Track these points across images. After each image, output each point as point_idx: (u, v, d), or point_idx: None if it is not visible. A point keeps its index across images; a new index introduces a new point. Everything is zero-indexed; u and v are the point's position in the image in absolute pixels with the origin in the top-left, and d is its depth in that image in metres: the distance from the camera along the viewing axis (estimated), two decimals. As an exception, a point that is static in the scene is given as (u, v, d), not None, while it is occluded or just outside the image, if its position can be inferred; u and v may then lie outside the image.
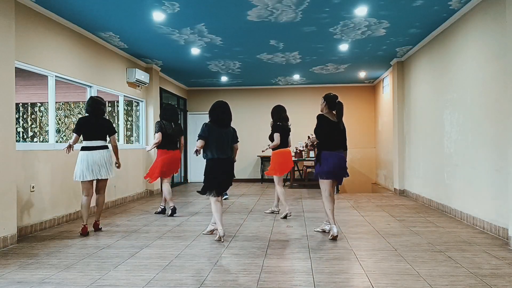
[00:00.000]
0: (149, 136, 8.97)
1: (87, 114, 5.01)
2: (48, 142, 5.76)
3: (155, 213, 6.37)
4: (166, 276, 3.33)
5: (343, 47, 7.46)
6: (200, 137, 4.52)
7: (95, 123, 4.96)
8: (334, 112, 4.74)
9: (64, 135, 10.13)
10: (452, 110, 5.97)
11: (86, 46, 6.49)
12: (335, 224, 4.57)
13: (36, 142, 9.68)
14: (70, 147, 4.87)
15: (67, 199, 5.83)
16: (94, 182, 5.04)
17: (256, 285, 3.07)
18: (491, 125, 4.79)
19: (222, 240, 4.48)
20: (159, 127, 6.05)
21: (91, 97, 5.13)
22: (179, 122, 6.30)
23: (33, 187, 5.11)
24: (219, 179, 4.57)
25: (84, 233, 4.89)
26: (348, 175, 4.78)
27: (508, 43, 4.22)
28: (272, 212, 6.32)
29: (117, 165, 5.31)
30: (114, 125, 5.21)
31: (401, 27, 6.36)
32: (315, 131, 4.70)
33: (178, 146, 6.29)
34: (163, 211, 6.32)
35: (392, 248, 4.11)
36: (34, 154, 5.18)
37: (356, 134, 11.52)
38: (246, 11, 5.59)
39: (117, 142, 5.27)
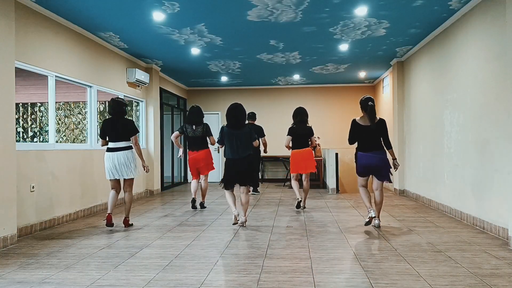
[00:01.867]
0: (149, 136, 8.97)
1: (110, 116, 5.18)
2: (48, 142, 5.76)
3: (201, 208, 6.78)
4: (166, 276, 3.33)
5: (343, 47, 7.46)
6: (218, 141, 5.25)
7: (116, 125, 5.10)
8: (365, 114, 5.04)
9: (64, 135, 10.13)
10: (452, 110, 5.97)
11: (86, 46, 6.49)
12: (372, 207, 4.93)
13: (36, 142, 9.68)
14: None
15: (67, 199, 5.84)
16: (122, 180, 5.29)
17: (256, 285, 3.08)
18: (491, 125, 4.79)
19: (237, 221, 5.22)
20: (180, 130, 6.63)
21: (112, 99, 5.24)
22: (202, 123, 6.56)
23: (33, 187, 5.11)
24: (231, 177, 5.11)
25: (109, 222, 5.12)
26: (386, 174, 4.92)
27: (508, 43, 4.22)
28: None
29: (144, 168, 5.45)
30: (135, 125, 5.29)
31: (401, 27, 6.36)
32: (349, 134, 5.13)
33: (205, 146, 6.56)
34: (201, 206, 6.81)
35: (392, 248, 4.11)
36: (34, 154, 5.18)
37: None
38: (246, 11, 5.59)
39: (139, 142, 5.36)
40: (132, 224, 5.41)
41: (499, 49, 4.60)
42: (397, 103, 8.73)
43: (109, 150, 5.11)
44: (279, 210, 6.62)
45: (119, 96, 5.49)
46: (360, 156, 4.95)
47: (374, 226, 5.10)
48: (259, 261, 3.70)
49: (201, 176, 6.71)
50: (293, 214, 6.25)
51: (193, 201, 6.67)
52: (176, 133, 6.63)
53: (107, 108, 5.26)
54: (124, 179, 5.25)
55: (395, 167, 5.06)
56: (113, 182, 5.22)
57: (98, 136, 5.20)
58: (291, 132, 6.46)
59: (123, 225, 5.33)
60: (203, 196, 6.77)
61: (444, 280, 3.16)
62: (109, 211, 5.18)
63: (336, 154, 8.99)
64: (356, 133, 4.94)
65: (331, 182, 9.02)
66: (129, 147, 5.19)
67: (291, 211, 6.53)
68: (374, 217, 4.90)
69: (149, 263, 3.68)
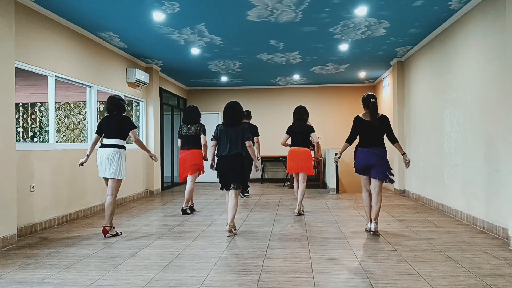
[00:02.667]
0: (149, 136, 8.97)
1: (107, 114, 5.01)
2: (48, 142, 5.76)
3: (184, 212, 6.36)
4: (166, 276, 3.33)
5: (343, 47, 7.46)
6: (212, 138, 5.08)
7: (111, 121, 4.88)
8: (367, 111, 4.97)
9: (64, 135, 10.13)
10: (452, 110, 5.97)
11: (86, 46, 6.49)
12: (370, 221, 4.88)
13: (36, 142, 9.68)
14: (87, 158, 4.97)
15: (67, 199, 5.84)
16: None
17: (256, 285, 3.08)
18: (491, 125, 4.79)
19: (228, 235, 4.79)
20: (177, 131, 6.53)
21: (109, 96, 5.06)
22: (197, 123, 6.37)
23: (33, 187, 5.11)
24: (223, 174, 4.91)
25: (104, 234, 4.79)
26: (383, 172, 4.74)
27: (508, 43, 4.22)
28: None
29: (152, 158, 5.17)
30: (132, 121, 5.01)
31: (401, 27, 6.36)
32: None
33: (198, 146, 6.31)
34: (190, 209, 6.52)
35: (392, 248, 4.11)
36: (34, 154, 5.18)
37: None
38: (246, 11, 5.59)
39: (137, 136, 5.05)
40: (117, 233, 4.87)
41: (499, 49, 4.60)
42: (397, 103, 8.73)
43: (101, 146, 4.90)
44: (279, 210, 6.62)
45: (117, 94, 5.35)
46: (360, 152, 4.87)
47: (369, 230, 4.89)
48: (259, 261, 3.70)
49: (188, 176, 6.33)
50: (293, 214, 6.25)
51: (190, 208, 6.51)
52: (179, 141, 6.44)
53: (106, 105, 5.09)
54: (109, 180, 4.83)
55: (406, 163, 4.82)
56: (106, 182, 4.92)
57: (95, 135, 5.02)
58: (289, 130, 6.41)
59: (103, 235, 4.80)
60: (188, 199, 6.33)
61: (444, 280, 3.16)
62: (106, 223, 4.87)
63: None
64: (359, 129, 4.90)
65: (331, 182, 9.03)
66: (121, 146, 4.87)
67: (291, 211, 6.53)
68: (372, 231, 4.83)
69: (149, 263, 3.68)
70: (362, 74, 10.27)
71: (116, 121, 4.90)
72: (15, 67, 4.78)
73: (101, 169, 4.82)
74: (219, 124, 5.03)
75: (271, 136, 11.52)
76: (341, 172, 9.31)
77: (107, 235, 4.79)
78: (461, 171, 5.63)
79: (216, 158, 5.03)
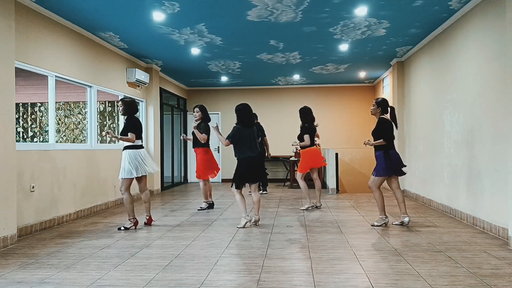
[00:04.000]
0: (148, 135, 8.97)
1: (130, 116, 5.29)
2: (48, 142, 5.76)
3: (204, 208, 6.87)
4: (166, 276, 3.33)
5: (343, 47, 7.46)
6: (230, 138, 5.17)
7: (140, 123, 5.37)
8: (387, 115, 5.32)
9: (64, 135, 10.13)
10: (452, 110, 5.97)
11: (86, 46, 6.49)
12: (385, 215, 5.25)
13: (36, 142, 9.68)
14: (115, 137, 5.25)
15: (67, 199, 5.84)
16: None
17: (256, 285, 3.08)
18: (491, 125, 4.79)
19: (250, 225, 5.24)
20: (206, 129, 6.64)
21: (131, 100, 5.40)
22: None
23: (33, 187, 5.11)
24: (248, 174, 5.16)
25: (136, 226, 5.30)
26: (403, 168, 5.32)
27: (508, 43, 4.21)
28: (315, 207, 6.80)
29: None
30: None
31: (401, 27, 6.36)
32: (381, 133, 5.17)
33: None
34: (211, 206, 6.94)
35: (392, 248, 4.11)
36: (34, 154, 5.18)
37: (356, 134, 11.52)
38: (246, 11, 5.59)
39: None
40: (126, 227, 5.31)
41: (499, 49, 4.60)
42: (397, 103, 8.73)
43: (132, 147, 5.20)
44: (279, 210, 6.62)
45: (127, 96, 5.66)
46: (393, 153, 5.21)
47: (405, 223, 5.22)
48: (259, 261, 3.70)
49: (212, 175, 6.92)
50: (293, 214, 6.25)
51: (212, 204, 6.95)
52: (204, 136, 6.57)
53: (129, 108, 5.30)
54: (141, 178, 5.36)
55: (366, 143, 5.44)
56: (131, 181, 5.25)
57: (134, 135, 5.18)
58: (309, 130, 6.60)
59: (149, 225, 5.46)
60: (211, 195, 7.06)
61: (444, 280, 3.16)
62: (135, 216, 5.30)
63: (336, 154, 8.99)
64: (391, 131, 5.23)
65: (331, 182, 9.02)
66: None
67: (291, 211, 6.53)
68: (407, 224, 5.17)
69: (149, 263, 3.68)
70: (362, 74, 10.27)
71: (140, 124, 5.39)
72: (15, 67, 4.78)
73: (142, 167, 5.22)
74: (236, 126, 5.22)
75: (271, 136, 11.50)
76: (341, 172, 9.30)
77: (152, 222, 5.52)
78: (461, 171, 5.63)
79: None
